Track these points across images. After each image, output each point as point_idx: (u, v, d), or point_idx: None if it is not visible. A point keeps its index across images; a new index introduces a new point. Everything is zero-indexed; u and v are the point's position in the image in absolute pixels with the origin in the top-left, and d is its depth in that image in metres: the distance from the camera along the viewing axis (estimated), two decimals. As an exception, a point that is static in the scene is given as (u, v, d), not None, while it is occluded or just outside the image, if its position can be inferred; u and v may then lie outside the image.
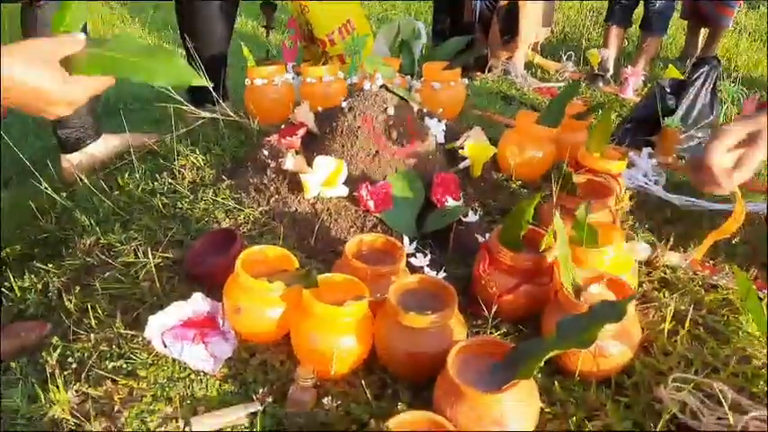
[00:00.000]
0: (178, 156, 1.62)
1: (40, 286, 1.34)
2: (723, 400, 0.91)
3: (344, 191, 1.38)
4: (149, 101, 2.48)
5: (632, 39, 3.48)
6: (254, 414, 0.96)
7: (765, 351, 1.06)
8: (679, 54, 3.41)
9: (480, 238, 1.31)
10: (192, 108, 1.74)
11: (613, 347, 0.98)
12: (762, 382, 1.00)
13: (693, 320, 1.12)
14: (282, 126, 1.55)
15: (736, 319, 1.14)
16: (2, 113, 0.99)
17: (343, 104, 1.47)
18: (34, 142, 2.42)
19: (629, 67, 2.47)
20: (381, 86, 1.50)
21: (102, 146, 1.82)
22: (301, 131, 1.50)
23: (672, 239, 1.33)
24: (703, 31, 3.18)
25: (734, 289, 1.21)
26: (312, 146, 1.53)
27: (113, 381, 1.02)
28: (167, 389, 1.01)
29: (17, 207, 1.69)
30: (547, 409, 0.96)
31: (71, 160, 1.80)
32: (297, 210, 1.37)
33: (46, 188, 1.57)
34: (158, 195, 1.48)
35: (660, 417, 0.92)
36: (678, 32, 3.77)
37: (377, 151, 1.44)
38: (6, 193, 1.83)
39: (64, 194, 1.60)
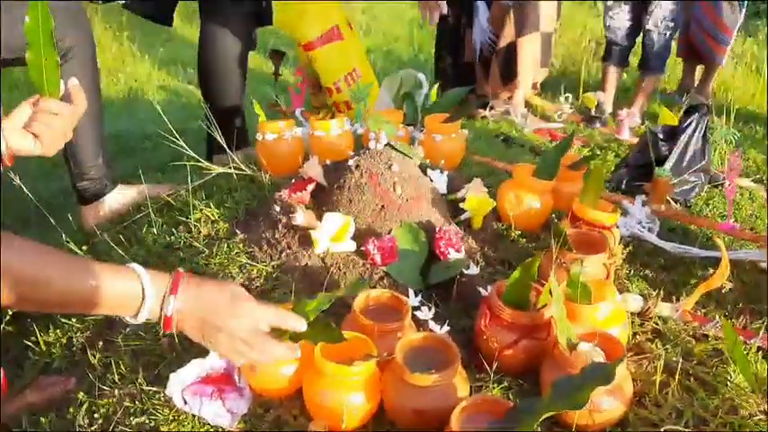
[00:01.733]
0: (193, 209, 1.70)
1: (64, 341, 1.41)
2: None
3: (352, 246, 1.45)
4: (161, 140, 2.57)
5: (632, 71, 3.57)
6: (269, 469, 1.02)
7: (751, 401, 1.12)
8: (676, 87, 3.49)
9: (482, 291, 1.37)
10: (207, 164, 1.82)
11: (607, 403, 1.04)
12: (748, 432, 1.07)
13: (684, 371, 1.18)
14: (293, 180, 1.63)
15: (725, 370, 1.20)
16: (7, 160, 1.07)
17: (350, 162, 1.55)
18: (51, 184, 2.50)
19: (624, 109, 2.55)
20: (386, 145, 1.59)
21: (120, 197, 1.90)
22: (310, 187, 1.58)
23: (664, 290, 1.39)
24: (700, 67, 3.28)
25: (723, 339, 1.27)
26: (321, 197, 1.61)
27: (138, 437, 1.09)
28: (188, 445, 1.07)
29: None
30: (545, 462, 1.02)
31: (90, 211, 1.89)
32: (307, 264, 1.45)
33: (67, 241, 1.64)
34: (175, 250, 1.56)
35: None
36: (677, 65, 3.85)
37: (382, 206, 1.51)
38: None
39: (84, 248, 1.67)
